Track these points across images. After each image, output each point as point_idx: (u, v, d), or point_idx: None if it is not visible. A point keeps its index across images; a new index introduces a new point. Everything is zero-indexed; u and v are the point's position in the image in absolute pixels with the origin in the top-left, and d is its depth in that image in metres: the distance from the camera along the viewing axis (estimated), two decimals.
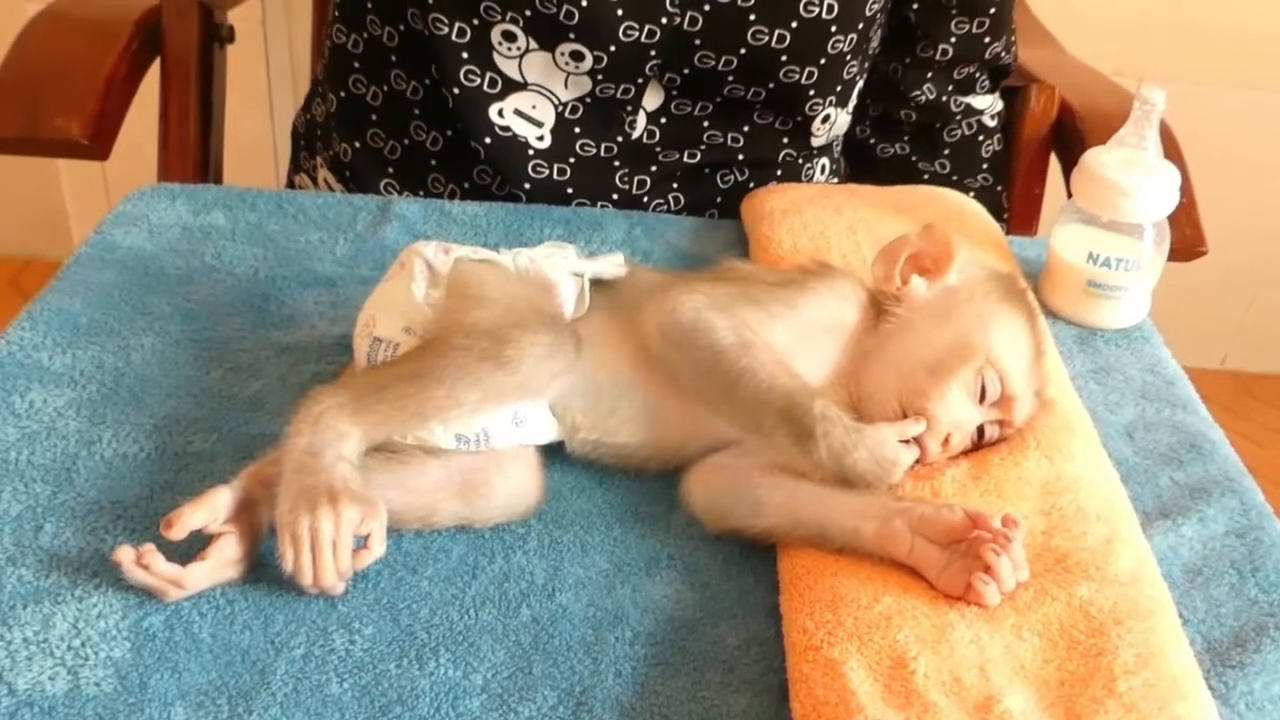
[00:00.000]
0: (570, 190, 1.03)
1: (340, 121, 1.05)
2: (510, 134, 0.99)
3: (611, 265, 0.77)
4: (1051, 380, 0.78)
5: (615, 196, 1.04)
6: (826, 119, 1.05)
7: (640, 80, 0.99)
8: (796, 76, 0.99)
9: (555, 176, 1.02)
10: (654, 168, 1.04)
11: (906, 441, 0.69)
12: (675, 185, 1.05)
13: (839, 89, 1.02)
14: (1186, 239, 1.02)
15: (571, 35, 0.95)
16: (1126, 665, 0.61)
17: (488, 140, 0.99)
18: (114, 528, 0.67)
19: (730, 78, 0.99)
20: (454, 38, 0.96)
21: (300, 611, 0.64)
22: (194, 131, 1.16)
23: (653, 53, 0.97)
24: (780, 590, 0.66)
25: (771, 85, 0.99)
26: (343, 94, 1.04)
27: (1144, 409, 0.84)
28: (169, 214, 0.96)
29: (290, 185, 1.18)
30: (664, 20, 0.95)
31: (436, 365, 0.67)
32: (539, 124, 0.99)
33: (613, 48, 0.95)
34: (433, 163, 1.03)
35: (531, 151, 1.00)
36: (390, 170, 1.04)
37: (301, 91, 1.17)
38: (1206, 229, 1.05)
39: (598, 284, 0.76)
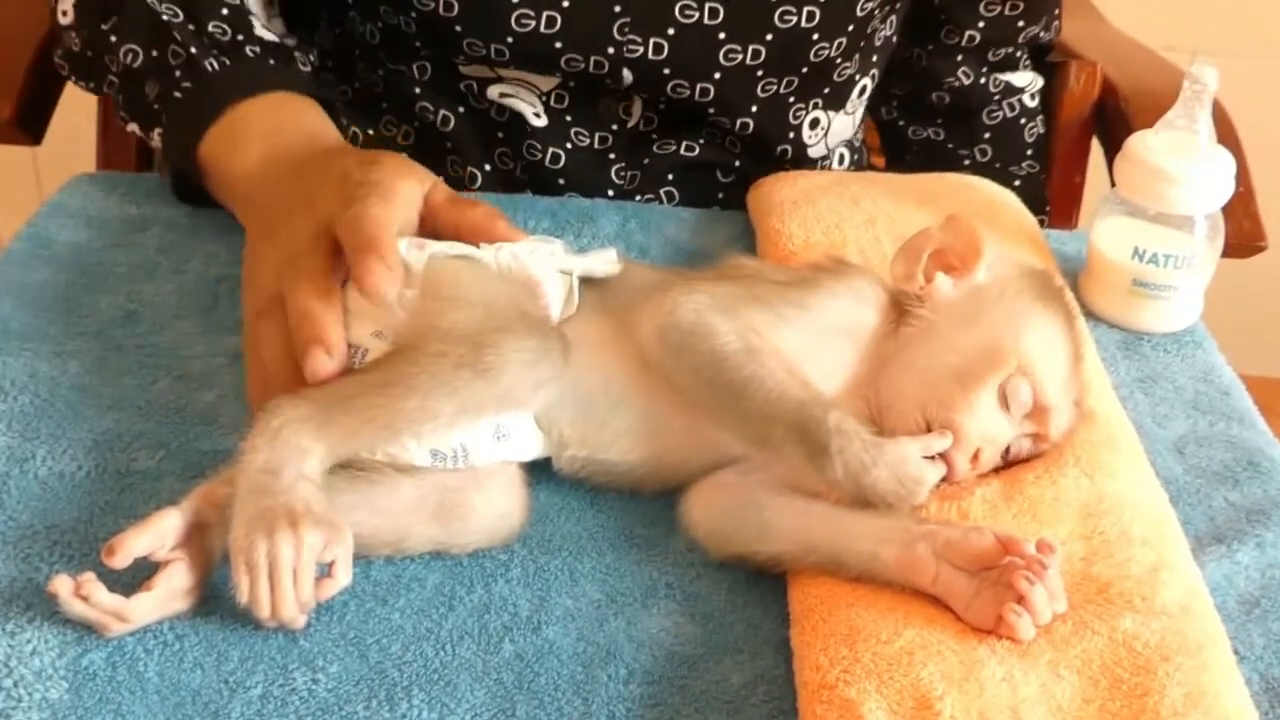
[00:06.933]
0: (562, 182, 1.04)
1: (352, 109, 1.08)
2: (508, 109, 1.02)
3: (603, 262, 0.78)
4: (1092, 390, 0.79)
5: (610, 193, 1.05)
6: (863, 91, 1.07)
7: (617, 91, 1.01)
8: (827, 52, 1.00)
9: (549, 164, 1.03)
10: (646, 160, 1.05)
11: (931, 458, 0.70)
12: (670, 178, 1.06)
13: (862, 44, 1.03)
14: (1243, 232, 1.03)
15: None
16: (1175, 706, 0.61)
17: (490, 114, 1.02)
18: (49, 554, 0.68)
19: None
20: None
21: (257, 647, 0.64)
22: None
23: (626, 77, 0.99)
24: (791, 623, 0.67)
25: (805, 69, 1.01)
26: (356, 84, 1.07)
27: (1196, 422, 0.85)
28: (110, 205, 0.97)
29: None
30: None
31: (409, 373, 0.68)
32: (530, 104, 1.01)
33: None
34: (449, 145, 1.05)
35: (529, 129, 1.02)
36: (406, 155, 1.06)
37: None
38: (1266, 222, 1.06)
39: (588, 283, 0.77)
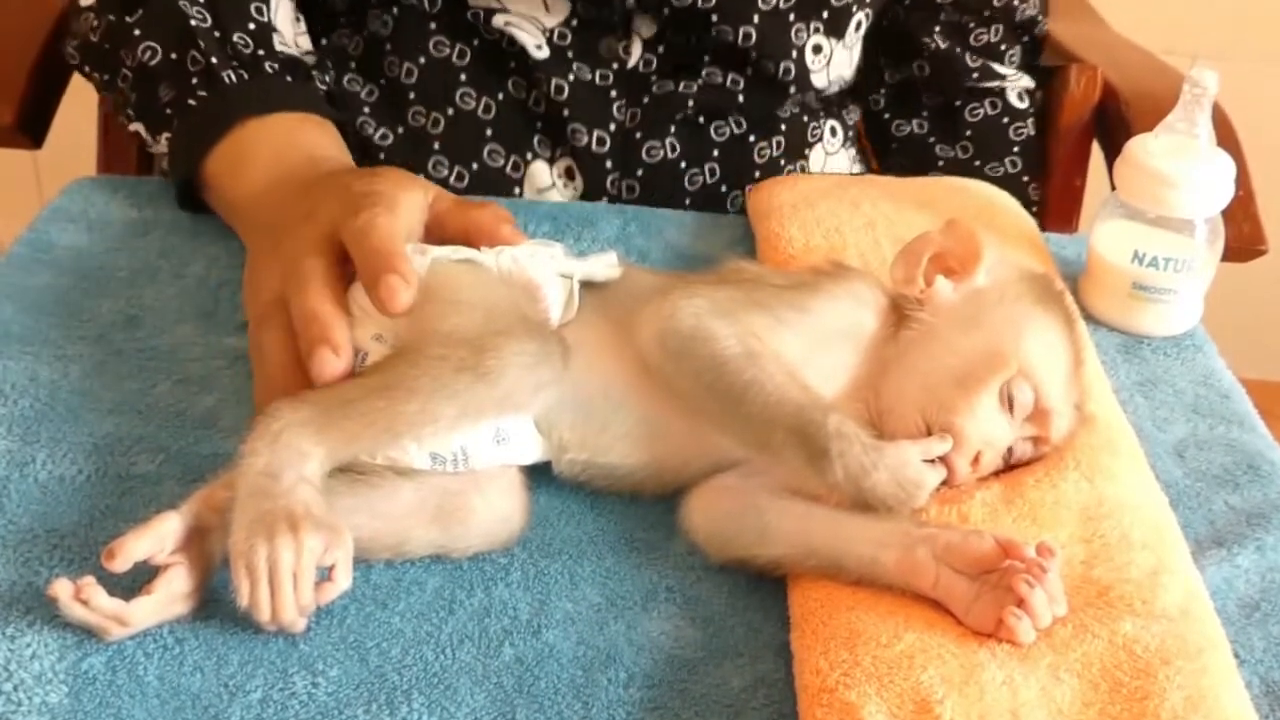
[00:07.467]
0: (567, 112, 1.05)
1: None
2: (517, 40, 1.03)
3: (604, 265, 0.78)
4: (1092, 393, 0.79)
5: (612, 128, 1.06)
6: (859, 25, 1.09)
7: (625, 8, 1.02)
8: None
9: (554, 95, 1.04)
10: (646, 99, 1.06)
11: (932, 461, 0.70)
12: (672, 129, 1.07)
13: None
14: (1243, 236, 1.03)
15: None
16: (1175, 710, 0.61)
17: (501, 44, 1.03)
18: (49, 558, 0.68)
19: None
20: None
21: (257, 651, 0.65)
22: None
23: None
24: (791, 627, 0.67)
25: None
26: (366, 32, 1.07)
27: (1196, 425, 0.85)
28: (111, 208, 0.97)
29: None
30: None
31: (409, 376, 0.68)
32: (533, 37, 1.02)
33: None
34: (462, 78, 1.05)
35: (531, 62, 1.03)
36: (367, 109, 1.06)
37: None
38: (1266, 225, 1.06)
39: (588, 286, 0.77)
